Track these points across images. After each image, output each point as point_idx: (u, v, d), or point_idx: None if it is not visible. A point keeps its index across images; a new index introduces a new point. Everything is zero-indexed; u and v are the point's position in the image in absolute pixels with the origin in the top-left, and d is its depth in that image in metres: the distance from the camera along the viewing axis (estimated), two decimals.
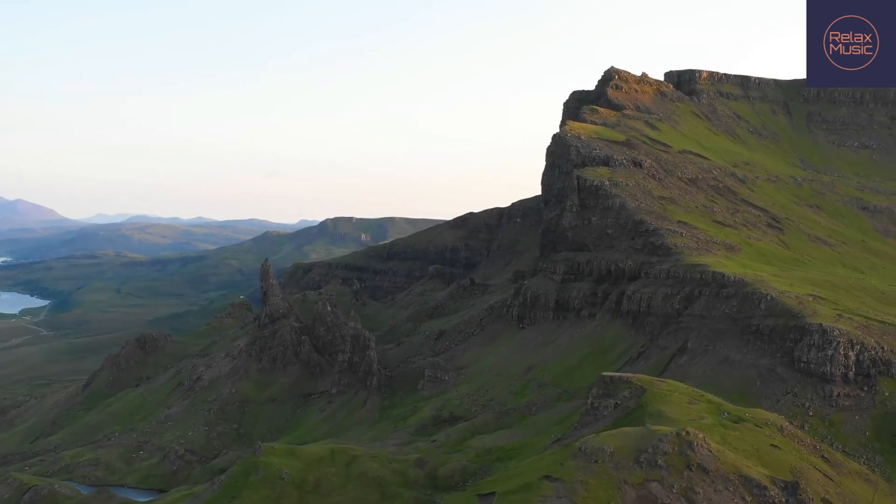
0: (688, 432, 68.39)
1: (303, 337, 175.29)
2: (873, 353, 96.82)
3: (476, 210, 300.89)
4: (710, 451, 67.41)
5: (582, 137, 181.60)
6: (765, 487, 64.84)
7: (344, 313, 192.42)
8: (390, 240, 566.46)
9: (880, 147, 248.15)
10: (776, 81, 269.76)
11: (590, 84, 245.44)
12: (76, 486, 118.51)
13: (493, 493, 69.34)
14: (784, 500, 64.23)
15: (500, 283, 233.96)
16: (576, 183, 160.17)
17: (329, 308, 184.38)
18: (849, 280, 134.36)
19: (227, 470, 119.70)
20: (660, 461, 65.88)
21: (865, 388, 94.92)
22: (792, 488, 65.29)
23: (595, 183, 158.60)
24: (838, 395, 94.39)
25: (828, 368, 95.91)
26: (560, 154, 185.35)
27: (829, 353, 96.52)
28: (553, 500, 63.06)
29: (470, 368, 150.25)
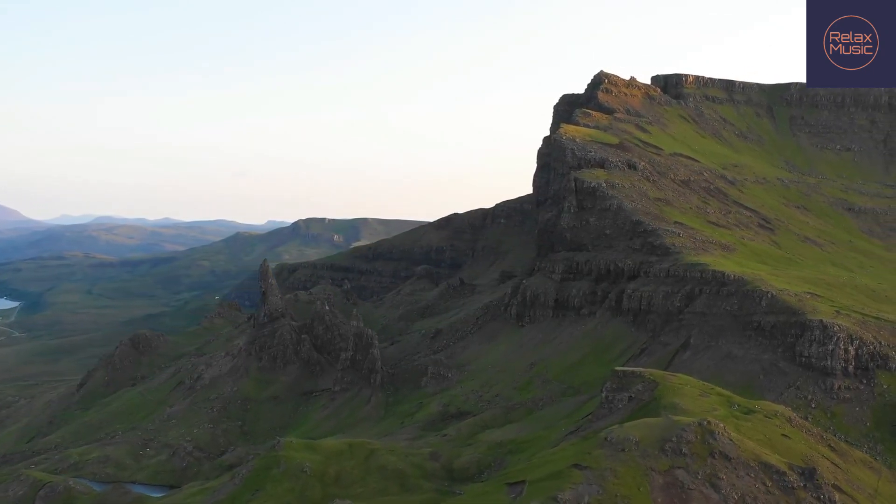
0: (709, 422, 71.52)
1: (302, 336, 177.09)
2: (871, 347, 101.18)
3: (452, 210, 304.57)
4: (731, 440, 70.59)
5: (577, 140, 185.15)
6: (784, 473, 68.13)
7: (341, 313, 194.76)
8: (363, 240, 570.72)
9: (861, 150, 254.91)
10: (759, 85, 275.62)
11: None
12: (87, 483, 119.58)
13: (522, 482, 71.76)
14: (802, 485, 67.56)
15: (487, 283, 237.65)
16: (573, 185, 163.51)
17: (327, 307, 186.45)
18: (841, 278, 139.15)
19: (237, 466, 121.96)
20: (684, 449, 68.84)
21: (864, 381, 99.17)
22: (809, 474, 68.63)
23: (592, 185, 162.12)
24: (839, 387, 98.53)
25: (828, 362, 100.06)
26: (555, 156, 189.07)
27: (830, 347, 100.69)
28: (584, 486, 65.65)
29: (472, 366, 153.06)
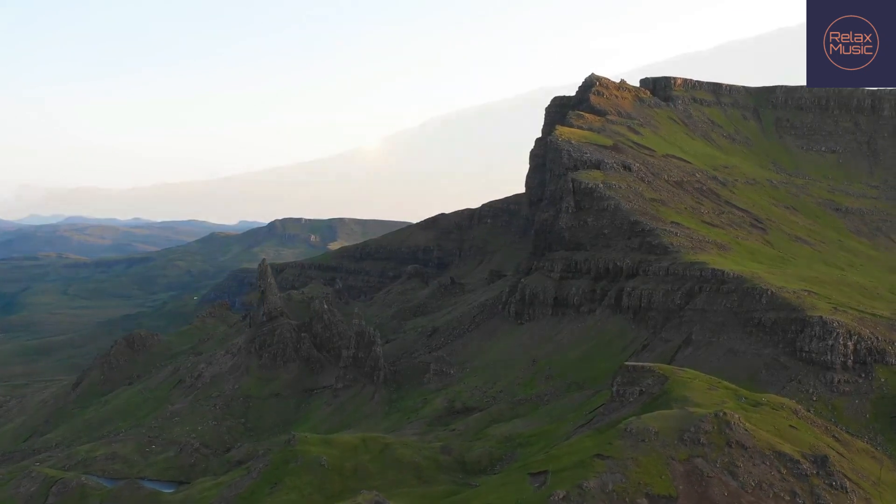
0: (725, 413, 74.32)
1: (302, 334, 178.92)
2: (869, 342, 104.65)
3: (431, 211, 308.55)
4: (746, 430, 73.44)
5: (572, 142, 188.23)
6: (797, 461, 71.10)
7: (337, 311, 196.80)
8: (340, 241, 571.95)
9: (845, 151, 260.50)
10: (746, 88, 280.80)
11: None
12: (97, 479, 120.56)
13: (545, 472, 74.13)
14: (815, 472, 70.59)
15: (476, 282, 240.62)
16: (571, 185, 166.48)
17: (326, 306, 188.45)
18: (833, 276, 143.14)
19: (245, 461, 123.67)
20: (702, 439, 71.57)
21: (863, 375, 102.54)
22: (821, 462, 71.69)
23: (590, 185, 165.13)
24: (839, 381, 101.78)
25: (828, 357, 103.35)
26: (551, 157, 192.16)
27: (830, 343, 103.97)
28: (608, 475, 68.20)
29: (473, 362, 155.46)
